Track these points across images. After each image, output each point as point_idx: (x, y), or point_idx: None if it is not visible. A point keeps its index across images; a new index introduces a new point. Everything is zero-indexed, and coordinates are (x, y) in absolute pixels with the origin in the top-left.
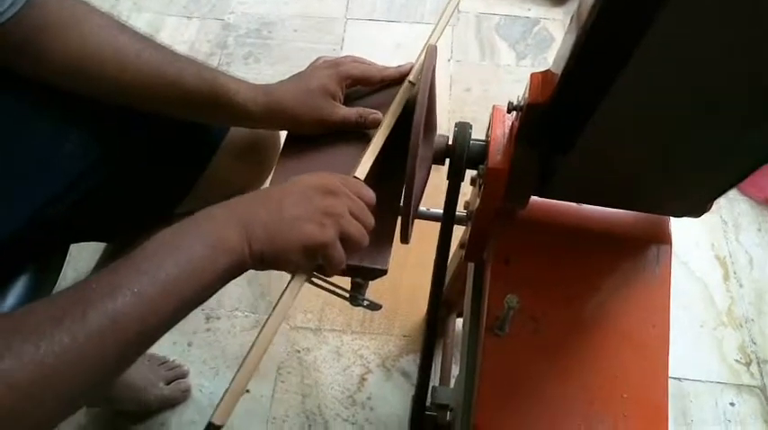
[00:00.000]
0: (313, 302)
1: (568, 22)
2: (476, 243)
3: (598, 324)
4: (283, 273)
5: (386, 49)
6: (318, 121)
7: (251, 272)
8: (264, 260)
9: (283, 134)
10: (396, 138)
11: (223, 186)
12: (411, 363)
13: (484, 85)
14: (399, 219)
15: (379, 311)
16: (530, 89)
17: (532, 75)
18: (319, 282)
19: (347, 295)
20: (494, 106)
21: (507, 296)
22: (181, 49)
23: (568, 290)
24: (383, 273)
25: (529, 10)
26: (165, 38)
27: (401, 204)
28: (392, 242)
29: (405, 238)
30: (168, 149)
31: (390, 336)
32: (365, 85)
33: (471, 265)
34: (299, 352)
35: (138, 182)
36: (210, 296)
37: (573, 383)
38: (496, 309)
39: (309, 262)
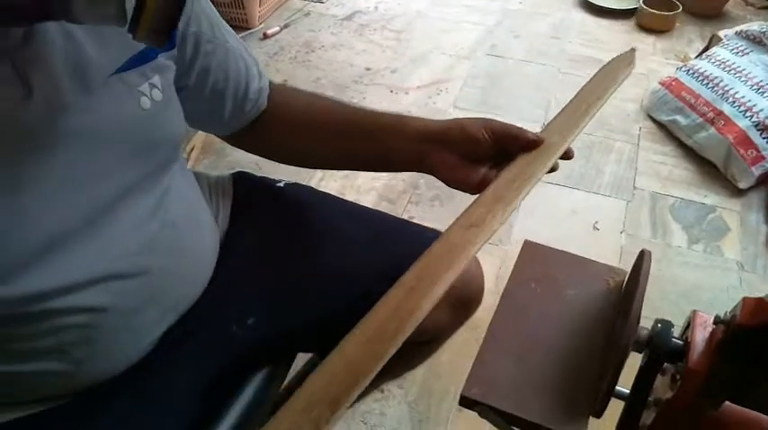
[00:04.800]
0: None
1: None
2: None
3: None
4: None
5: (562, 212)
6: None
7: None
8: None
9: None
10: (603, 322)
11: (423, 331)
12: None
13: (654, 263)
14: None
15: None
16: (741, 312)
17: (745, 299)
18: None
19: None
20: (694, 311)
21: None
22: (376, 185)
23: None
24: None
25: (705, 197)
26: (361, 176)
27: (602, 383)
28: (589, 416)
29: (600, 414)
30: None
31: None
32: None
33: None
34: None
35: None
36: None
37: None
38: None
39: None
